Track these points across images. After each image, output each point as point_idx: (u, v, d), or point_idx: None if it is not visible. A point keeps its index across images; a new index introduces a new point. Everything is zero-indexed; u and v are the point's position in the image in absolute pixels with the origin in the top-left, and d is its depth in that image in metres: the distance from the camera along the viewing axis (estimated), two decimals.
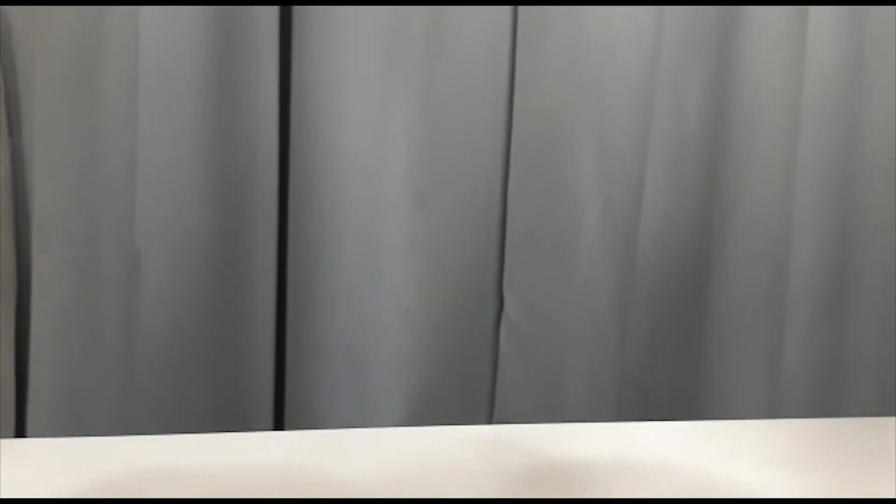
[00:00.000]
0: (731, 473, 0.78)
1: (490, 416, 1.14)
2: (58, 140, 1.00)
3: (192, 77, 1.05)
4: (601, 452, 0.83)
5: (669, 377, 1.18)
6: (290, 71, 1.08)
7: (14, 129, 1.02)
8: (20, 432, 1.03)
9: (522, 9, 1.08)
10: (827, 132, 1.16)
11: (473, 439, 0.86)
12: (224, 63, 1.06)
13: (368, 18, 1.06)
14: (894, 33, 1.15)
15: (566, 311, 1.12)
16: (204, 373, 1.09)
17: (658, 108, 1.13)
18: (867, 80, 1.16)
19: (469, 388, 1.14)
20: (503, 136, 1.11)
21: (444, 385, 1.12)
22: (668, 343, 1.17)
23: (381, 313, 1.10)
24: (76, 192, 1.00)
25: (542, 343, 1.12)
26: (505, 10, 1.08)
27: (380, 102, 1.08)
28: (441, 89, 1.08)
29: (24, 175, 1.02)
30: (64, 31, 0.97)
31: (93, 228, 1.01)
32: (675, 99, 1.15)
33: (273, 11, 1.06)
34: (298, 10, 1.07)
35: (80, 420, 1.02)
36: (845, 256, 1.19)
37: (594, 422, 1.03)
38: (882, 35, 1.15)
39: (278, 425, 1.13)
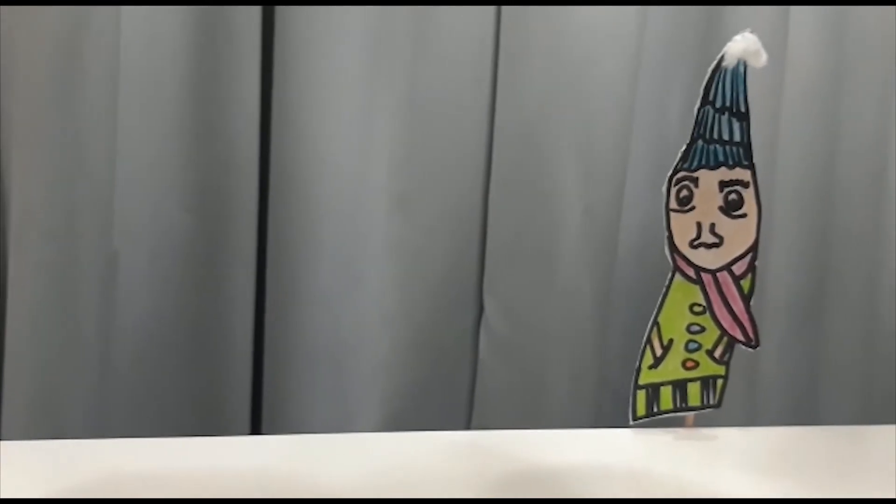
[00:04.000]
0: (708, 479, 0.78)
1: (469, 422, 1.13)
2: (37, 140, 0.99)
3: (172, 78, 1.04)
4: (579, 458, 0.83)
5: None
6: (272, 72, 1.08)
7: None
8: None
9: (506, 15, 1.08)
10: (806, 141, 1.17)
11: (451, 445, 0.86)
12: (205, 64, 1.05)
13: (352, 20, 1.06)
14: (874, 43, 1.16)
15: (546, 317, 1.12)
16: (181, 375, 1.08)
17: (639, 115, 1.13)
18: (847, 89, 1.17)
19: (448, 392, 1.14)
20: (485, 141, 1.11)
21: (423, 389, 1.12)
22: None
23: (361, 317, 1.10)
24: (54, 191, 0.99)
25: (521, 348, 1.12)
26: (488, 17, 1.08)
27: (362, 105, 1.07)
28: (424, 93, 1.08)
29: (2, 174, 1.01)
30: (45, 32, 0.96)
31: (71, 228, 1.00)
32: (656, 106, 1.15)
33: (255, 12, 1.05)
34: (281, 12, 1.06)
35: (55, 422, 1.00)
36: (823, 266, 1.19)
37: (573, 427, 1.03)
38: (862, 45, 1.15)
39: (255, 429, 1.12)
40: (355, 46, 1.06)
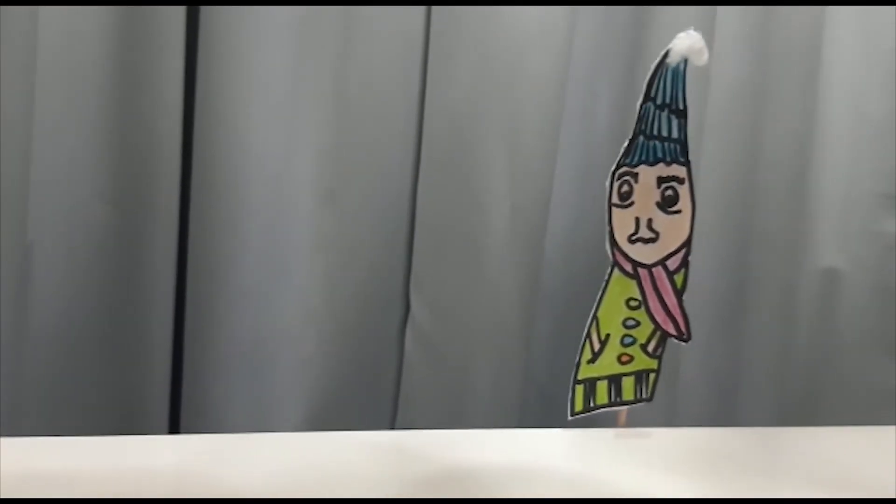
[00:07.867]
0: (628, 479, 0.78)
1: (393, 421, 1.13)
2: None
3: (94, 72, 1.01)
4: (503, 458, 0.83)
5: None
6: (196, 67, 1.05)
7: None
8: None
9: (436, 12, 1.07)
10: (728, 146, 1.19)
11: (375, 444, 0.85)
12: (128, 59, 1.02)
13: (278, 16, 1.05)
14: (797, 49, 1.18)
15: (472, 315, 1.12)
16: (98, 373, 1.04)
17: (568, 115, 1.14)
18: (770, 95, 1.19)
19: (373, 391, 1.13)
20: (414, 137, 1.11)
21: (347, 388, 1.10)
22: (571, 349, 1.18)
23: (285, 314, 1.08)
24: None
25: (447, 346, 1.12)
26: (418, 13, 1.08)
27: (288, 100, 1.06)
28: (352, 88, 1.07)
29: None
30: None
31: None
32: (585, 106, 1.16)
33: (179, 9, 1.03)
34: (206, 8, 1.04)
35: None
36: (743, 270, 1.22)
37: (498, 426, 1.03)
38: (786, 51, 1.18)
39: (174, 428, 1.10)
40: (281, 41, 1.05)
